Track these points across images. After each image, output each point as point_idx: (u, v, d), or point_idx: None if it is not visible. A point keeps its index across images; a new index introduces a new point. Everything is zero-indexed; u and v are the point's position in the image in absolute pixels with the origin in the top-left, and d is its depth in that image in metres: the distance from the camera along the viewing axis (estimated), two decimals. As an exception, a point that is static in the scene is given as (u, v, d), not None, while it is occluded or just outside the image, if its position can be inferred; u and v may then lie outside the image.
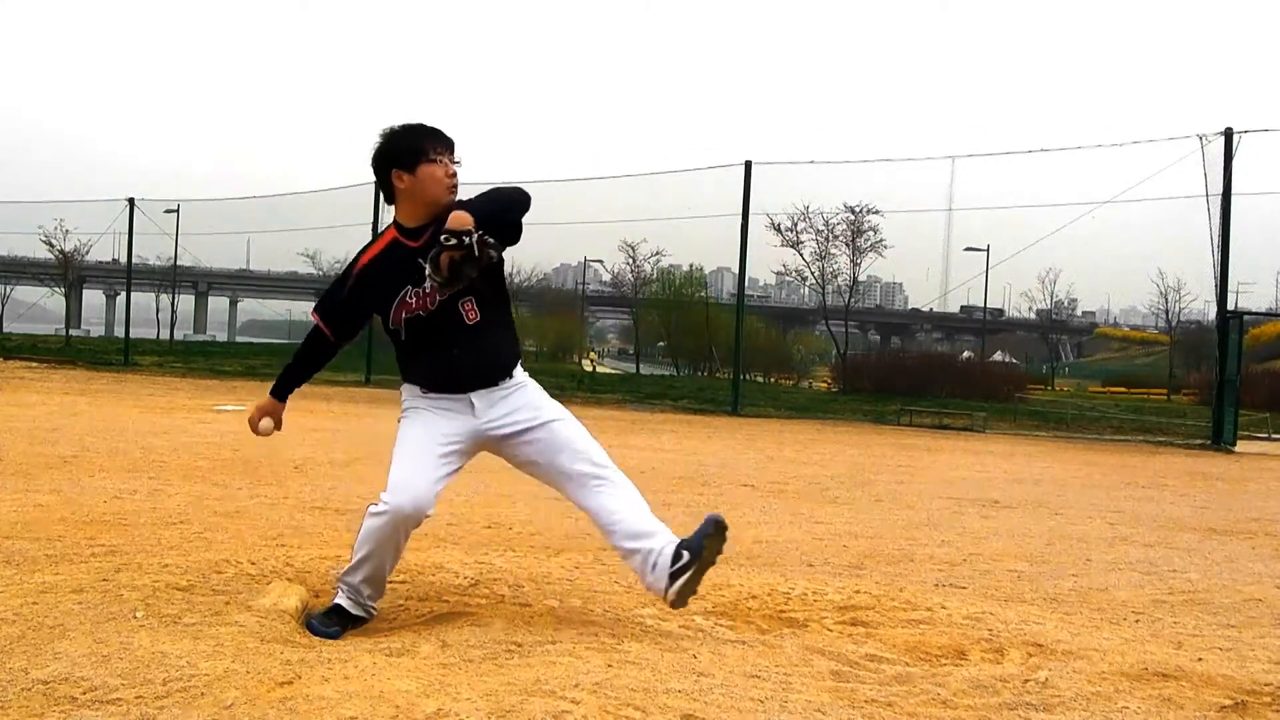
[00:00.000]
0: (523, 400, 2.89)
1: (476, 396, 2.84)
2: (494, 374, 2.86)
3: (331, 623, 2.78)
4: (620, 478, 2.86)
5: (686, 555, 2.72)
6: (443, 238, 2.64)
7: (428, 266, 2.70)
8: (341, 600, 2.85)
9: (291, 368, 3.07)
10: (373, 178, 2.91)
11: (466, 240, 2.62)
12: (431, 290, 2.76)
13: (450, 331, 2.81)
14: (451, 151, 2.83)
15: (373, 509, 2.77)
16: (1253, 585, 4.15)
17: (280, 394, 3.07)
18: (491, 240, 2.67)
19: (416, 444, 2.81)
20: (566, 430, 2.88)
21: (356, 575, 2.83)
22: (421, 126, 2.84)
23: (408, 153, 2.77)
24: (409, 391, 2.92)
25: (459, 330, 2.82)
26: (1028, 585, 4.01)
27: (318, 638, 2.69)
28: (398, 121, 2.85)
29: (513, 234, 2.80)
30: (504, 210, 2.79)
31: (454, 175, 2.82)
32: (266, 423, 3.05)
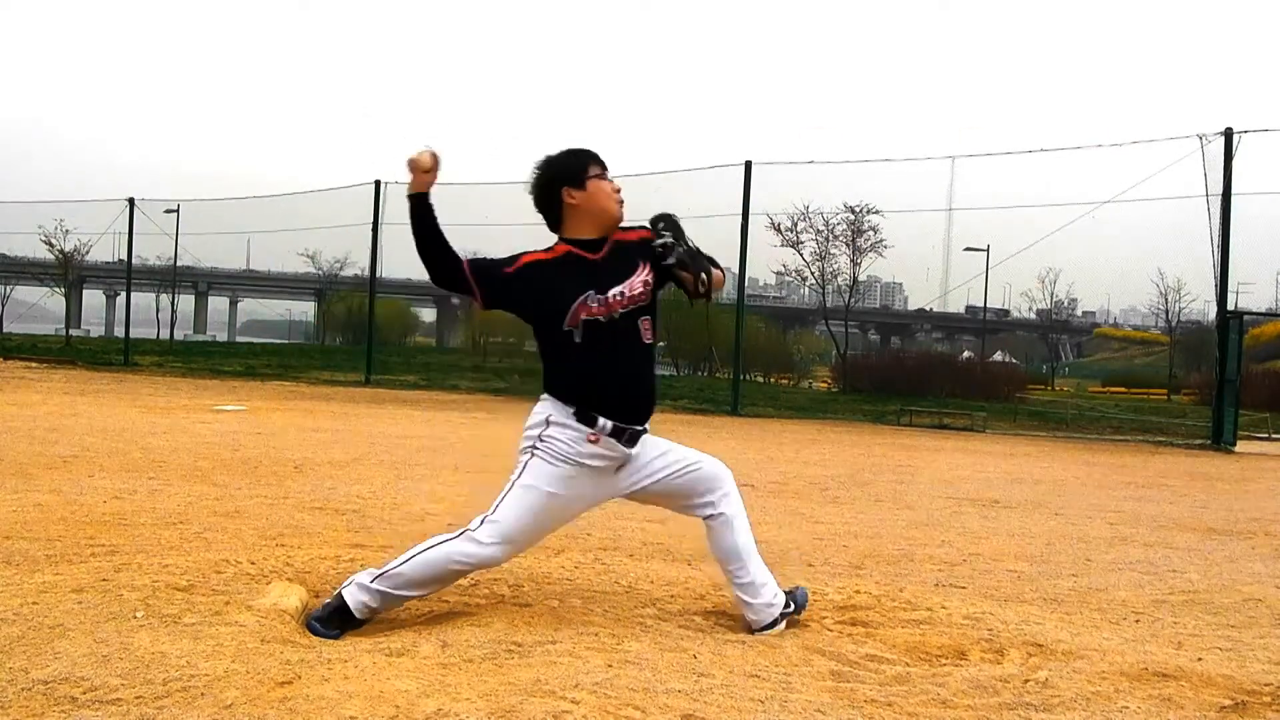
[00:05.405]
0: (655, 446, 2.96)
1: (641, 445, 2.87)
2: (652, 407, 2.93)
3: (334, 625, 2.76)
4: (736, 509, 2.98)
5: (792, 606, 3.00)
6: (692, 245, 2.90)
7: (668, 235, 2.86)
8: (351, 603, 2.79)
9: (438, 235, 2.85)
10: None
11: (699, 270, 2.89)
12: (615, 301, 2.81)
13: (629, 347, 2.84)
14: (606, 170, 2.92)
15: (470, 548, 2.75)
16: (1253, 585, 4.15)
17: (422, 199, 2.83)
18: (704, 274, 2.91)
19: (560, 511, 2.85)
20: (704, 472, 2.97)
21: (402, 593, 2.81)
22: (580, 149, 2.93)
23: (575, 171, 2.86)
24: (571, 429, 2.78)
25: (636, 348, 2.86)
26: (1028, 585, 4.01)
27: (318, 638, 2.69)
28: (552, 150, 2.93)
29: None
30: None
31: (620, 190, 2.91)
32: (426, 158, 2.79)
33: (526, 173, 2.94)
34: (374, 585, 2.79)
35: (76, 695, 2.09)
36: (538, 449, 2.80)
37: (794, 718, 2.19)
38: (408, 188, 2.82)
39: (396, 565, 2.80)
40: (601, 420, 2.78)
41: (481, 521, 2.78)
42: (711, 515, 2.96)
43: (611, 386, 2.81)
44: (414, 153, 2.80)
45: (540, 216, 2.96)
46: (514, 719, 2.05)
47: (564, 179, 2.86)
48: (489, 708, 2.09)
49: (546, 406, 2.84)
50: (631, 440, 2.84)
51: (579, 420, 2.78)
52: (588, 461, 2.80)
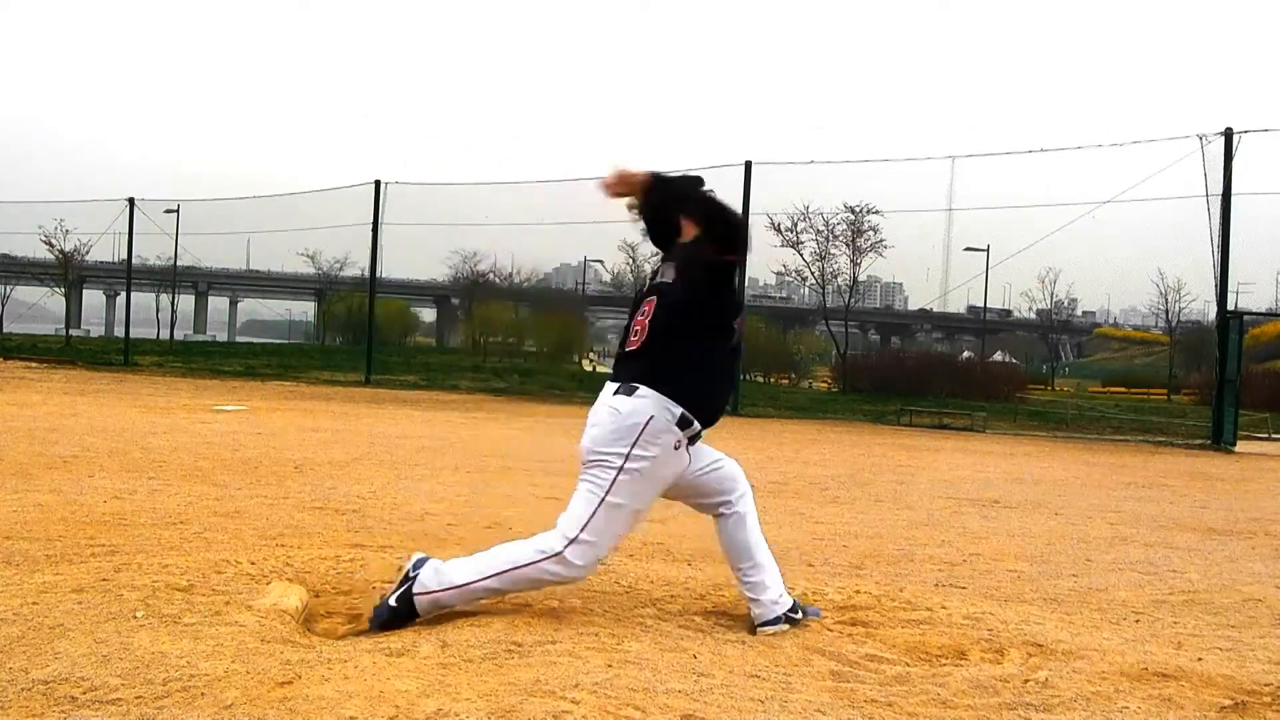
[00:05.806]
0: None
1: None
2: None
3: (394, 627, 2.74)
4: (749, 508, 3.06)
5: (800, 615, 3.02)
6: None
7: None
8: (423, 613, 2.79)
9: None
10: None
11: None
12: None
13: (737, 364, 3.05)
14: None
15: (562, 570, 2.79)
16: (1253, 585, 4.16)
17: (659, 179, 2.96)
18: None
19: (637, 515, 2.89)
20: (725, 471, 3.03)
21: (471, 597, 2.83)
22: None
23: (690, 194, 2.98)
24: (670, 434, 2.81)
25: (738, 365, 3.06)
26: (1028, 585, 4.01)
27: (318, 638, 2.69)
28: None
29: None
30: None
31: None
32: (625, 171, 2.92)
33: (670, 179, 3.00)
34: (456, 602, 2.82)
35: (76, 695, 2.09)
36: (628, 466, 2.78)
37: (794, 718, 2.19)
38: (643, 192, 2.94)
39: (480, 580, 2.81)
40: (695, 424, 2.85)
41: (570, 541, 2.79)
42: (725, 514, 3.01)
43: (725, 395, 2.98)
44: (612, 171, 2.94)
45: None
46: (514, 719, 2.05)
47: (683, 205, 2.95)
48: (489, 708, 2.09)
49: (649, 404, 2.80)
50: (694, 444, 2.93)
51: (679, 423, 2.81)
52: (668, 475, 2.87)
